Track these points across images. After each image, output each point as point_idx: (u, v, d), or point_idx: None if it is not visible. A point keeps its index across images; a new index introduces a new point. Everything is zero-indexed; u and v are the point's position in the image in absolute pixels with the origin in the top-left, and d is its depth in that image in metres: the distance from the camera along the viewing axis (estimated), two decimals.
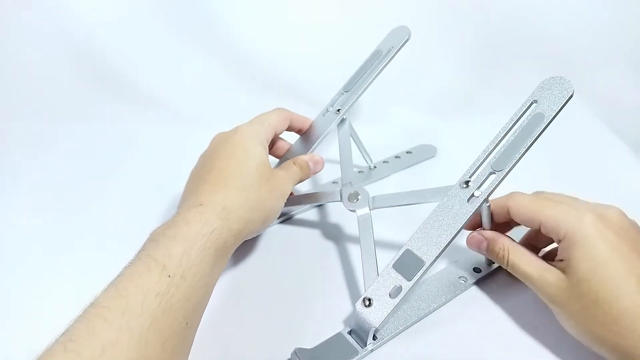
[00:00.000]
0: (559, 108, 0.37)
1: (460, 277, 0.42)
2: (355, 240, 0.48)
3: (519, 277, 0.36)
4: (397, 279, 0.36)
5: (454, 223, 0.37)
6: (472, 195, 0.37)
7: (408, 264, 0.36)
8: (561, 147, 0.62)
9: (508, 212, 0.37)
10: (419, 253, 0.36)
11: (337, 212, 0.52)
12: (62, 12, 0.62)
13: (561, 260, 0.33)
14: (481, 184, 0.37)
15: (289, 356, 0.36)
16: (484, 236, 0.39)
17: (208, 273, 0.34)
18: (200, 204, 0.36)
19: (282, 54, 0.67)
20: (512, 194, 0.37)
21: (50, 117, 0.65)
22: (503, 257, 0.37)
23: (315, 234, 0.50)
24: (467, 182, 0.38)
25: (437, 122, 0.67)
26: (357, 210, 0.43)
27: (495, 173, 0.37)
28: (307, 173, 0.46)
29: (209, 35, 0.65)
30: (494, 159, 0.37)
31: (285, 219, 0.51)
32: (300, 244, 0.48)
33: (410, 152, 0.61)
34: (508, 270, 0.37)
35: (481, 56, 0.69)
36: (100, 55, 0.64)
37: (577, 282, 0.31)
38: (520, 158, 0.36)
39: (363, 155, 0.56)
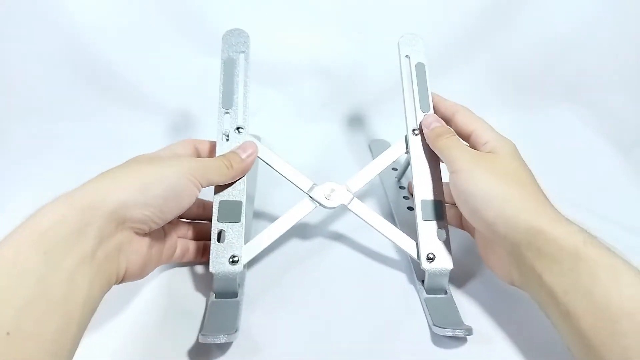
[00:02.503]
0: (425, 55, 0.47)
1: None
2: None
3: (446, 155, 0.41)
4: (433, 225, 0.42)
5: (434, 160, 0.44)
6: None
7: (431, 210, 0.42)
8: (552, 152, 0.63)
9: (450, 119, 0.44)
10: (430, 197, 0.42)
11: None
12: (61, 12, 0.61)
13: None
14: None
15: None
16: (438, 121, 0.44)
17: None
18: None
19: (282, 55, 0.66)
20: (460, 107, 0.44)
21: (50, 117, 0.64)
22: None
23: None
24: (414, 130, 0.45)
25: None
26: (345, 203, 0.43)
27: (427, 114, 0.45)
28: (235, 160, 0.41)
29: (210, 36, 0.64)
30: (417, 105, 0.45)
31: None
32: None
33: None
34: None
35: (476, 59, 0.69)
36: (100, 55, 0.64)
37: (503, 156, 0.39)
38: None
39: None
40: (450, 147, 0.41)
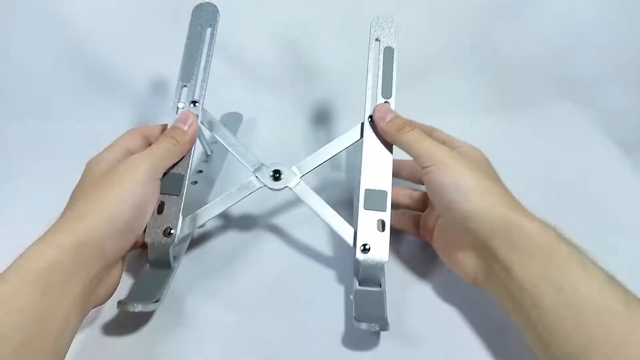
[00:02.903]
0: (396, 39, 0.45)
1: None
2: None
3: (414, 150, 0.40)
4: (375, 215, 0.41)
5: (385, 150, 0.43)
6: None
7: (374, 199, 0.41)
8: (554, 150, 0.63)
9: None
10: (376, 186, 0.41)
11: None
12: (61, 12, 0.61)
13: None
14: None
15: None
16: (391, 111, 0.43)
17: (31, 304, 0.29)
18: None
19: (282, 54, 0.66)
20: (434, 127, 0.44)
21: (49, 117, 0.65)
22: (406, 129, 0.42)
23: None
24: (371, 117, 0.43)
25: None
26: (290, 186, 0.43)
27: (388, 101, 0.44)
28: (178, 134, 0.42)
29: None
30: (380, 90, 0.44)
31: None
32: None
33: None
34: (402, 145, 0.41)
35: (477, 60, 0.68)
36: (99, 55, 0.64)
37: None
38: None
39: (203, 145, 0.55)
40: (419, 141, 0.40)
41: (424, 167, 0.39)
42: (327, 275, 0.46)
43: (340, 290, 0.44)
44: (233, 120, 0.63)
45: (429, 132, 0.43)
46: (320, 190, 0.47)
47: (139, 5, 0.62)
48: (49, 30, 0.62)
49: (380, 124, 0.42)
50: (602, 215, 0.52)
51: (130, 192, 0.37)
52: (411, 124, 0.42)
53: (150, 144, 0.42)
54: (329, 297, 0.43)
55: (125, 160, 0.38)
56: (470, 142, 0.43)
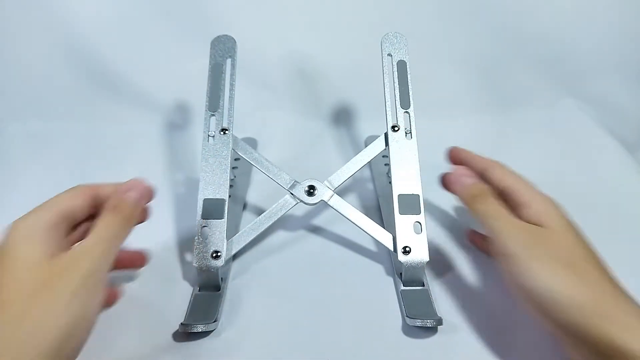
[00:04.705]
0: (407, 53, 0.47)
1: None
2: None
3: (488, 225, 0.38)
4: (410, 219, 0.43)
5: (411, 154, 0.45)
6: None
7: (408, 204, 0.43)
8: (558, 148, 0.63)
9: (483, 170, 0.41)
10: (407, 191, 0.43)
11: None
12: (61, 12, 0.61)
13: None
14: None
15: None
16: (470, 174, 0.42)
17: None
18: None
19: (283, 54, 0.66)
20: (491, 162, 0.42)
21: (49, 117, 0.64)
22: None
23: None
24: (394, 127, 0.46)
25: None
26: (324, 199, 0.45)
27: (407, 111, 0.46)
28: (127, 210, 0.35)
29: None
30: (398, 102, 0.46)
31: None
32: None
33: None
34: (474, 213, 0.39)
35: (478, 57, 0.68)
36: (99, 55, 0.63)
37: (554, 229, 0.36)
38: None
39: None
40: (492, 216, 0.37)
41: (496, 253, 0.37)
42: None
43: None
44: (250, 145, 0.64)
45: (483, 171, 0.41)
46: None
47: (139, 5, 0.62)
48: (50, 30, 0.62)
49: (458, 187, 0.42)
50: (606, 214, 0.52)
51: (81, 306, 0.30)
52: (486, 193, 0.39)
53: (97, 205, 0.36)
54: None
55: (65, 261, 0.31)
56: (471, 143, 0.44)
